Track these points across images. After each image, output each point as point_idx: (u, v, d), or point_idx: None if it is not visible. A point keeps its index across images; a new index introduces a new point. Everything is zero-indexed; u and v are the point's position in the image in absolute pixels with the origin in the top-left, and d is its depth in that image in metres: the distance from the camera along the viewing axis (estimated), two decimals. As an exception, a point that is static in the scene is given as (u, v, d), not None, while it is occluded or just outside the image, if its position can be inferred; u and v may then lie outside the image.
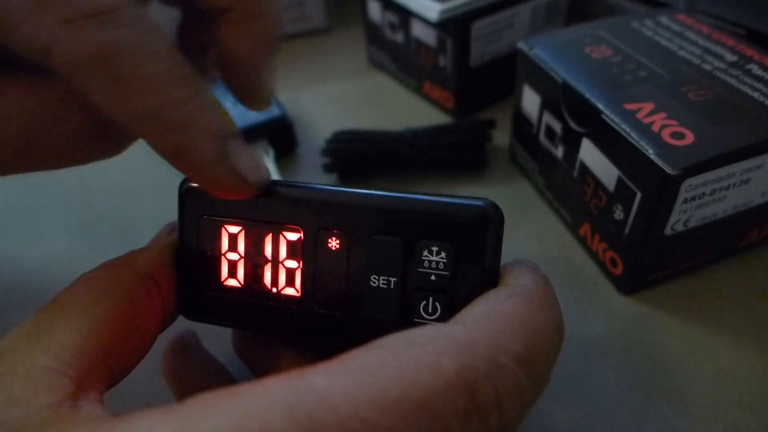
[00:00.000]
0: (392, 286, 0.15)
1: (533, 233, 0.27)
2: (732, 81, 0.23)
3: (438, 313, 0.15)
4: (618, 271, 0.24)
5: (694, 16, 0.28)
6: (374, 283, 0.15)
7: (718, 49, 0.25)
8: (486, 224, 0.15)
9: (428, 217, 0.15)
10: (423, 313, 0.15)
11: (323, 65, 0.42)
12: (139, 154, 0.20)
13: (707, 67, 0.24)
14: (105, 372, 0.13)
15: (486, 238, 0.15)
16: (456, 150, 0.30)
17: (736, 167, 0.20)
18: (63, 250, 0.28)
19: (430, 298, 0.15)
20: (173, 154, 0.14)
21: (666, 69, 0.24)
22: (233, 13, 0.16)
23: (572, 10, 0.36)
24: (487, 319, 0.13)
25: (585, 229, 0.25)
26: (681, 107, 0.21)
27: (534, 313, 0.13)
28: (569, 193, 0.26)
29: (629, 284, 0.24)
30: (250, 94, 0.18)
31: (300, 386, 0.11)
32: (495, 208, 0.15)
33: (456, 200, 0.15)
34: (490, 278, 0.15)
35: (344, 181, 0.31)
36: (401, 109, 0.36)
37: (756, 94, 0.22)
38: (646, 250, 0.22)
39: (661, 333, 0.23)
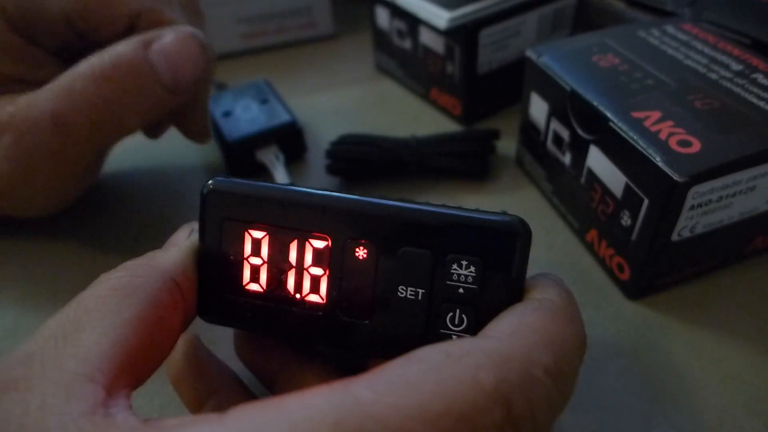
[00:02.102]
0: (420, 298, 0.16)
1: (541, 239, 0.28)
2: (738, 90, 0.23)
3: (464, 325, 0.15)
4: (625, 276, 0.24)
5: (699, 25, 0.28)
6: (402, 293, 0.16)
7: (724, 59, 0.25)
8: (514, 239, 0.15)
9: (458, 231, 0.15)
10: (449, 325, 0.16)
11: (331, 71, 0.42)
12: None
13: (713, 76, 0.24)
14: (132, 375, 0.13)
15: (514, 252, 0.15)
16: (459, 159, 0.30)
17: (743, 175, 0.20)
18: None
19: (457, 311, 0.15)
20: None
21: (672, 78, 0.24)
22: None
23: (578, 19, 0.37)
24: (519, 333, 0.13)
25: (592, 235, 0.26)
26: (688, 115, 0.22)
27: (560, 326, 0.14)
28: (576, 200, 0.26)
29: (636, 289, 0.24)
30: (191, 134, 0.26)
31: (347, 399, 0.11)
32: (523, 223, 0.15)
33: (485, 215, 0.15)
34: (516, 292, 0.15)
35: (348, 184, 0.31)
36: (409, 116, 0.37)
37: (762, 103, 0.22)
38: (653, 256, 0.22)
39: (668, 338, 0.23)
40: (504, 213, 0.16)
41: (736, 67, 0.24)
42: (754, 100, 0.22)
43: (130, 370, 0.13)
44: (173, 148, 0.34)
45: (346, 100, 0.39)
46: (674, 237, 0.22)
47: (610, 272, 0.25)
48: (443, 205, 0.16)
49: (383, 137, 0.31)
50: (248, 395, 0.19)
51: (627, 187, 0.22)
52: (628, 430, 0.20)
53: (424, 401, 0.11)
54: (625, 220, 0.23)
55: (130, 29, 0.24)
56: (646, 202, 0.21)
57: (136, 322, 0.14)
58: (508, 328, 0.14)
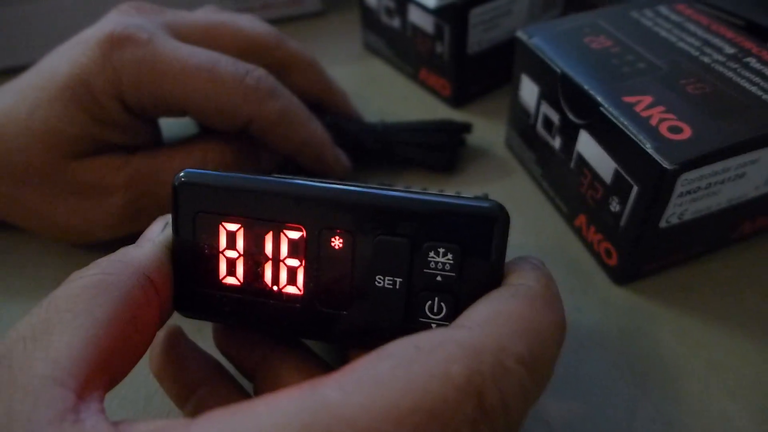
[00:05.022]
0: (398, 287, 0.15)
1: (529, 223, 0.28)
2: (730, 74, 0.23)
3: (443, 313, 0.15)
4: (613, 261, 0.24)
5: (693, 6, 0.28)
6: (379, 282, 0.15)
7: (717, 41, 0.25)
8: (492, 225, 0.15)
9: (434, 218, 0.15)
10: (428, 313, 0.15)
11: (318, 50, 0.41)
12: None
13: (706, 60, 0.24)
14: (105, 377, 0.13)
15: (492, 238, 0.15)
16: (425, 150, 0.29)
17: (732, 162, 0.20)
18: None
19: (436, 299, 0.15)
20: (315, 160, 0.26)
21: (665, 61, 0.24)
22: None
23: (570, -2, 0.36)
24: (492, 322, 0.13)
25: (581, 220, 0.26)
26: (679, 100, 0.21)
27: (537, 314, 0.14)
28: (565, 184, 0.26)
29: (624, 275, 0.24)
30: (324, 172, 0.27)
31: (315, 401, 0.11)
32: (501, 208, 0.15)
33: (463, 201, 0.15)
34: (495, 277, 0.15)
35: None
36: (397, 96, 0.36)
37: (754, 88, 0.22)
38: (642, 242, 0.22)
39: (654, 323, 0.23)
40: (485, 197, 0.15)
41: (729, 50, 0.24)
42: (746, 84, 0.22)
43: (104, 371, 0.13)
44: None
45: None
46: (663, 223, 0.22)
47: (598, 257, 0.25)
48: (421, 191, 0.16)
49: (348, 120, 0.30)
50: (233, 387, 0.18)
51: (616, 173, 0.22)
52: (613, 414, 0.20)
53: (393, 399, 0.11)
54: (614, 206, 0.22)
55: (243, 126, 0.24)
56: (635, 188, 0.21)
57: (109, 321, 0.13)
58: (482, 317, 0.13)
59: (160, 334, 0.18)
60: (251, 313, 0.17)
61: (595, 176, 0.23)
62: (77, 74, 0.22)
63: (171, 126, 0.29)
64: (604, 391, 0.21)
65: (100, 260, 0.15)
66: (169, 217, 0.17)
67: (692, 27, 0.26)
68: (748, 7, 0.28)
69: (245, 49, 0.26)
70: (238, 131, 0.25)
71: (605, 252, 0.24)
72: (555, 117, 0.25)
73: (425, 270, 0.15)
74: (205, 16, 0.27)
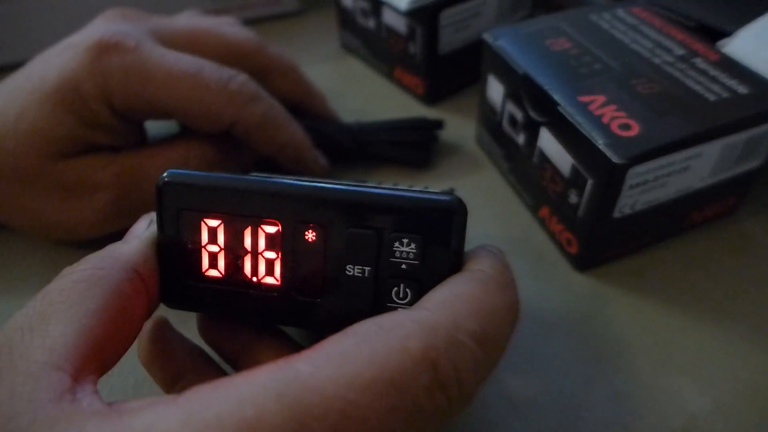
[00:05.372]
0: (366, 275, 0.17)
1: (498, 214, 0.29)
2: (678, 74, 0.24)
3: (409, 298, 0.17)
4: (573, 250, 0.26)
5: (649, 9, 0.29)
6: (350, 272, 0.17)
7: (668, 43, 0.26)
8: (451, 217, 0.16)
9: (399, 211, 0.16)
10: (395, 298, 0.17)
11: (296, 49, 0.42)
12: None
13: (657, 61, 0.25)
14: (97, 363, 0.14)
15: (451, 229, 0.16)
16: (400, 148, 0.31)
17: (677, 156, 0.22)
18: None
19: (401, 285, 0.17)
20: (295, 161, 0.28)
21: (618, 62, 0.25)
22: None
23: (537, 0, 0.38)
24: (448, 303, 0.15)
25: (544, 211, 0.27)
26: (630, 99, 0.23)
27: (489, 295, 0.15)
28: (530, 178, 0.28)
29: (583, 262, 0.26)
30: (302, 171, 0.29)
31: (288, 374, 0.12)
32: (460, 202, 0.16)
33: (425, 195, 0.16)
34: (455, 264, 0.17)
35: None
36: (373, 94, 0.38)
37: (698, 87, 0.24)
38: (598, 232, 0.24)
39: (610, 306, 0.25)
40: (451, 191, 0.17)
41: (679, 51, 0.26)
42: (692, 84, 0.24)
43: (96, 358, 0.14)
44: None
45: (312, 78, 0.39)
46: (616, 214, 0.23)
47: (560, 246, 0.27)
48: (389, 187, 0.17)
49: (326, 123, 0.32)
50: (218, 373, 0.20)
51: (574, 168, 0.23)
52: (571, 389, 0.22)
53: (357, 370, 0.12)
54: (573, 198, 0.24)
55: (227, 129, 0.26)
56: (590, 181, 0.23)
57: (100, 312, 0.14)
58: (439, 299, 0.15)
59: (148, 325, 0.19)
60: (233, 302, 0.18)
61: (555, 171, 0.25)
62: (67, 79, 0.23)
63: (155, 123, 0.30)
64: (564, 369, 0.23)
65: (89, 256, 0.16)
66: (153, 215, 0.18)
67: (646, 29, 0.28)
68: (699, 9, 0.30)
69: (227, 55, 0.27)
70: (221, 133, 0.26)
71: (566, 241, 0.26)
72: (519, 115, 0.27)
73: (391, 259, 0.17)
74: (188, 22, 0.28)
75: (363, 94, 0.38)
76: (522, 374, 0.22)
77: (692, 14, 0.30)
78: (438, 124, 0.32)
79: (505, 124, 0.29)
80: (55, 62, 0.23)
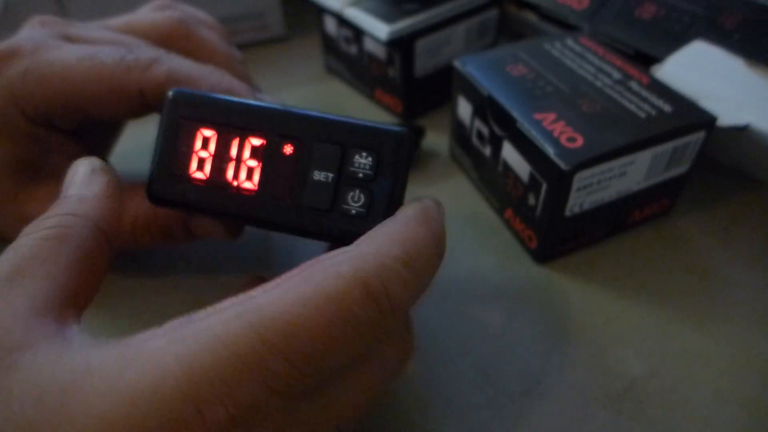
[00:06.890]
0: (329, 180, 0.20)
1: (469, 216, 0.33)
2: (615, 95, 0.29)
3: (361, 202, 0.20)
4: (533, 245, 0.30)
5: (595, 38, 0.34)
6: (316, 177, 0.20)
7: (608, 68, 0.31)
8: (401, 142, 0.20)
9: (362, 134, 0.20)
10: (350, 202, 0.20)
11: (283, 72, 0.46)
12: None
13: (599, 84, 0.30)
14: (74, 311, 0.16)
15: (399, 152, 0.20)
16: None
17: (615, 163, 0.27)
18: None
19: (357, 191, 0.20)
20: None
21: (567, 85, 0.30)
22: None
23: (501, 28, 0.42)
24: (373, 237, 0.17)
25: (509, 213, 0.32)
26: (576, 117, 0.28)
27: (409, 228, 0.18)
28: (496, 185, 0.32)
29: (542, 256, 0.30)
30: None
31: (245, 301, 0.15)
32: (408, 134, 0.20)
33: (382, 125, 0.20)
34: (397, 183, 0.20)
35: None
36: (356, 114, 0.41)
37: (632, 106, 0.28)
38: (553, 229, 0.28)
39: (566, 291, 0.29)
40: (402, 125, 0.21)
41: (617, 75, 0.31)
42: (626, 103, 0.28)
43: (72, 306, 0.16)
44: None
45: (297, 99, 0.43)
46: (567, 213, 0.28)
47: (523, 243, 0.31)
48: (353, 117, 0.21)
49: None
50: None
51: (531, 174, 0.28)
52: (531, 360, 0.26)
53: (299, 293, 0.15)
54: (531, 200, 0.28)
55: (143, 102, 0.25)
56: (544, 185, 0.27)
57: (71, 267, 0.16)
58: (368, 236, 0.18)
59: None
60: (214, 202, 0.21)
61: (517, 177, 0.29)
62: None
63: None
64: (525, 343, 0.27)
65: (51, 213, 0.17)
66: (90, 159, 0.20)
67: (590, 56, 0.32)
68: (636, 38, 0.35)
69: (156, 42, 0.27)
70: (139, 113, 0.25)
71: (528, 238, 0.30)
72: (485, 130, 0.31)
73: (351, 168, 0.20)
74: (124, 18, 0.29)
75: (346, 113, 0.41)
76: (494, 350, 0.26)
77: (630, 42, 0.35)
78: (420, 131, 0.36)
79: (474, 139, 0.33)
80: None
